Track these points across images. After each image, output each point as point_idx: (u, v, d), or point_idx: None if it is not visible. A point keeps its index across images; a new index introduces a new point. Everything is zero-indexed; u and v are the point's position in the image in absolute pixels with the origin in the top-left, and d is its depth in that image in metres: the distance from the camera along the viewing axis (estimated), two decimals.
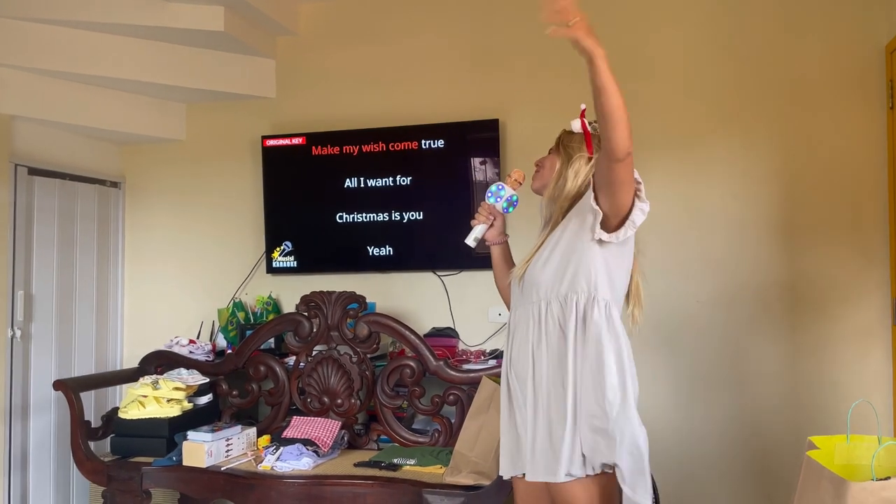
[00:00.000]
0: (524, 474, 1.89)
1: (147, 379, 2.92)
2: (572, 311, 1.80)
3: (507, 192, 2.05)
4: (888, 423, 2.79)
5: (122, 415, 2.87)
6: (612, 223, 1.76)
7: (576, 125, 1.94)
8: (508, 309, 2.07)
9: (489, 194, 2.06)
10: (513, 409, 1.93)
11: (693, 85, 3.11)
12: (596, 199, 1.76)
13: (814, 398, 2.93)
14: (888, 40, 2.83)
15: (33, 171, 3.42)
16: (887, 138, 2.87)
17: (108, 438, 2.94)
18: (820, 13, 2.97)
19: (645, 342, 3.12)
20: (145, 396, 2.84)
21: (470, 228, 2.07)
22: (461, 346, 3.25)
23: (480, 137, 3.28)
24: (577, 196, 1.87)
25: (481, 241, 2.10)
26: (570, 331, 1.80)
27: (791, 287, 2.99)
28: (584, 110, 1.94)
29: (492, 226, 2.08)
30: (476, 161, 3.29)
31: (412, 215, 3.39)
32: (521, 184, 2.06)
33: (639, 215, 1.77)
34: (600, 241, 1.78)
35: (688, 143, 3.11)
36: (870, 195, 2.91)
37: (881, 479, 1.64)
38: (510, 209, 2.07)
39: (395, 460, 2.64)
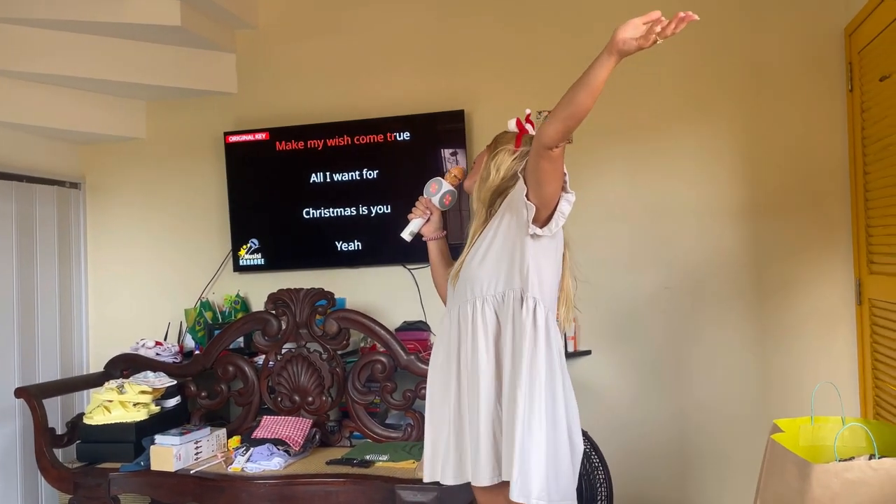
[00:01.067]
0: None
1: (112, 383, 2.86)
2: (509, 310, 1.80)
3: (444, 186, 2.07)
4: (854, 403, 2.84)
5: (87, 421, 2.81)
6: (543, 216, 1.75)
7: (511, 124, 1.95)
8: (444, 302, 2.07)
9: (426, 189, 2.09)
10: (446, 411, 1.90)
11: (654, 72, 3.10)
12: (527, 194, 1.74)
13: (780, 381, 2.97)
14: (846, 22, 2.85)
15: None
16: (847, 120, 2.90)
17: (75, 445, 2.88)
18: None
19: (614, 330, 3.14)
20: (111, 401, 2.79)
21: (407, 222, 2.09)
22: (432, 339, 3.23)
23: (447, 129, 3.26)
24: (500, 189, 1.87)
25: (418, 236, 2.11)
26: (507, 329, 1.80)
27: (756, 271, 3.01)
28: (528, 115, 1.95)
29: (428, 220, 2.09)
30: (447, 152, 3.26)
31: (380, 209, 3.35)
32: (459, 180, 2.09)
33: (566, 206, 1.76)
34: (534, 236, 1.77)
35: (650, 130, 3.11)
36: (831, 177, 2.94)
37: (844, 460, 1.65)
38: (447, 204, 2.09)
39: (367, 457, 2.62)
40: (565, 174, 1.75)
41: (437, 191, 2.07)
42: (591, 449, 2.83)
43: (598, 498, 2.83)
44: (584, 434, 2.83)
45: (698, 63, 3.07)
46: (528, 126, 1.93)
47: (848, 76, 2.86)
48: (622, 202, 3.15)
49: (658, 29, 1.48)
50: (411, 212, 2.08)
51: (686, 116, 3.08)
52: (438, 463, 1.90)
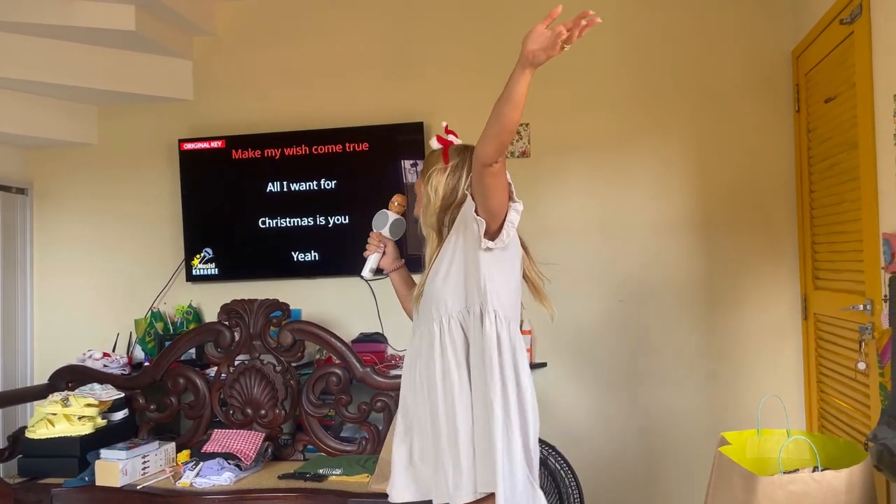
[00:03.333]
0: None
1: (57, 396, 2.77)
2: (473, 325, 1.82)
3: (391, 217, 2.09)
4: (800, 416, 2.91)
5: (29, 434, 2.72)
6: (493, 228, 1.77)
7: (434, 143, 1.98)
8: None
9: (375, 223, 2.11)
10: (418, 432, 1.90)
11: (608, 90, 3.16)
12: (476, 210, 1.77)
13: (729, 393, 3.03)
14: (794, 45, 2.94)
15: None
16: (794, 140, 2.99)
17: (16, 459, 2.78)
18: (731, 19, 3.07)
19: (569, 343, 3.17)
20: (54, 414, 2.70)
21: (364, 261, 2.10)
22: (390, 351, 3.21)
23: (405, 140, 3.26)
24: (444, 208, 1.89)
25: (379, 272, 2.13)
26: (475, 344, 1.81)
27: (707, 285, 3.08)
28: (446, 126, 1.99)
29: (384, 253, 2.10)
30: (407, 164, 3.26)
31: (338, 219, 3.33)
32: (404, 207, 2.11)
33: (514, 215, 1.78)
34: (486, 250, 1.79)
35: (605, 147, 3.16)
36: (779, 195, 3.02)
37: (789, 472, 1.69)
38: (397, 234, 2.11)
39: (320, 471, 2.59)
40: (510, 184, 1.78)
41: (385, 223, 2.09)
42: (562, 461, 2.86)
43: None
44: (553, 447, 2.87)
45: (652, 82, 3.13)
46: (450, 137, 1.96)
47: (795, 97, 2.95)
48: (577, 216, 3.19)
49: (564, 36, 1.49)
50: (366, 249, 2.09)
51: (640, 134, 3.14)
52: (407, 480, 1.89)
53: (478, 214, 1.75)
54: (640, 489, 3.09)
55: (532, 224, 3.20)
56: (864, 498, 1.61)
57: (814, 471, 1.69)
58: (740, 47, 3.06)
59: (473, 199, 1.77)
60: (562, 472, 2.86)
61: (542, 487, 2.75)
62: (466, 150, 1.91)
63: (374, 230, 2.11)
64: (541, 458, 2.89)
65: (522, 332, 3.20)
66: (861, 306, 2.18)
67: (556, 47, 1.50)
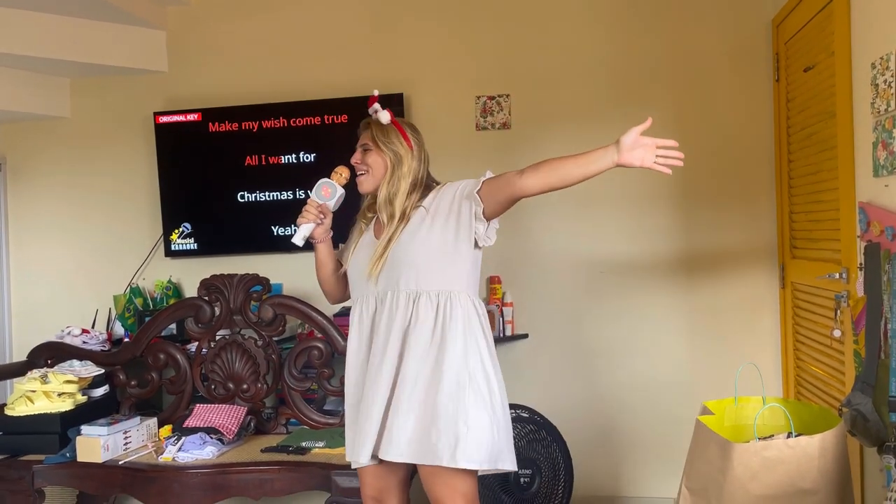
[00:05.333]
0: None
1: (35, 373, 2.75)
2: (445, 306, 1.89)
3: (339, 190, 2.06)
4: (777, 383, 2.95)
5: (8, 412, 2.69)
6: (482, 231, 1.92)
7: (384, 117, 2.02)
8: (330, 300, 2.19)
9: (316, 192, 2.06)
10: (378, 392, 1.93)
11: (587, 60, 3.14)
12: (484, 212, 1.88)
13: (708, 362, 3.07)
14: (774, 14, 2.93)
15: None
16: (773, 110, 2.99)
17: None
18: None
19: (550, 314, 3.19)
20: (33, 391, 2.68)
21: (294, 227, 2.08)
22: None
23: None
24: (412, 191, 1.97)
25: (307, 240, 2.11)
26: (449, 324, 1.88)
27: (686, 255, 3.10)
28: (377, 96, 2.06)
29: (320, 223, 2.08)
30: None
31: None
32: (347, 180, 2.08)
33: (496, 223, 1.95)
34: (479, 247, 1.95)
35: (583, 118, 3.15)
36: (757, 164, 3.03)
37: (764, 439, 1.72)
38: (338, 206, 2.10)
39: (303, 444, 2.60)
40: None
41: (332, 195, 2.06)
42: (548, 429, 2.90)
43: (560, 477, 2.90)
44: (542, 416, 2.90)
45: (630, 51, 3.12)
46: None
47: (775, 66, 2.95)
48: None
49: (657, 155, 1.74)
50: (301, 216, 2.05)
51: (619, 105, 3.12)
52: (367, 444, 1.92)
53: (485, 216, 1.88)
54: (624, 457, 3.14)
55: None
56: (837, 462, 1.64)
57: (788, 437, 1.72)
58: (720, 16, 3.05)
59: (483, 201, 1.86)
60: (550, 439, 2.90)
61: (532, 454, 2.82)
62: (419, 134, 2.05)
63: (317, 200, 2.06)
64: (535, 424, 2.95)
65: (505, 304, 3.23)
66: (837, 275, 2.21)
67: (648, 161, 1.73)
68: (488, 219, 1.90)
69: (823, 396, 2.46)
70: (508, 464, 1.90)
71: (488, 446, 1.83)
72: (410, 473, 2.14)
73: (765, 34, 3.00)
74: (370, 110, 2.06)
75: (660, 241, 3.11)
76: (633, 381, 3.11)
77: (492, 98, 3.16)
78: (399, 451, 1.85)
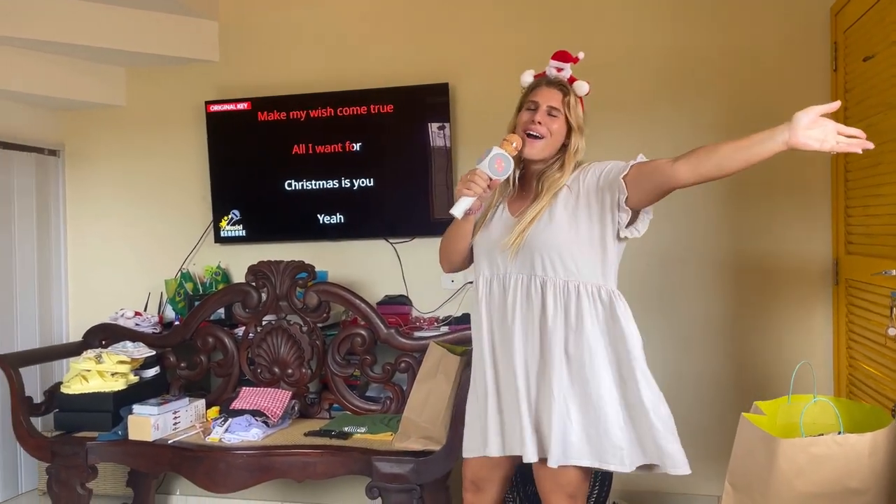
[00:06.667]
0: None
1: (90, 353, 2.85)
2: (596, 298, 1.81)
3: (511, 164, 1.83)
4: (829, 382, 2.87)
5: (64, 390, 2.80)
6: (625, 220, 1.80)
7: (584, 87, 1.90)
8: (447, 269, 2.04)
9: (489, 165, 1.80)
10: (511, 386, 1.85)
11: (639, 48, 3.09)
12: (627, 200, 1.74)
13: (758, 359, 2.99)
14: (832, 2, 2.84)
15: None
16: (831, 100, 2.88)
17: (52, 414, 2.88)
18: None
19: None
20: (88, 371, 2.78)
21: (453, 198, 1.89)
22: (414, 314, 3.23)
23: (430, 102, 3.22)
24: (572, 171, 1.85)
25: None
26: (599, 316, 1.81)
27: (737, 249, 3.03)
28: (579, 58, 1.92)
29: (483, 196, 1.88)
30: (434, 126, 3.23)
31: (363, 182, 3.33)
32: (518, 150, 1.86)
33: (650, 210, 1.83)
34: (624, 239, 1.84)
35: (636, 107, 3.10)
36: (813, 157, 2.94)
37: (813, 437, 1.68)
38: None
39: (345, 429, 2.64)
40: None
41: (505, 170, 1.81)
42: None
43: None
44: None
45: (684, 40, 3.05)
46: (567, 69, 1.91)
47: (833, 56, 2.86)
48: None
49: (842, 138, 1.52)
50: (468, 188, 1.79)
51: (671, 94, 3.07)
52: (495, 437, 1.85)
53: (628, 205, 1.75)
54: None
55: None
56: (888, 462, 1.59)
57: (837, 435, 1.67)
58: (776, 4, 2.96)
59: (627, 189, 1.72)
60: None
61: None
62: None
63: (488, 174, 1.80)
64: None
65: None
66: (894, 271, 2.13)
67: (829, 143, 1.50)
68: (633, 208, 1.74)
69: (876, 396, 2.39)
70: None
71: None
72: (515, 468, 2.05)
73: (823, 22, 2.90)
74: (559, 70, 1.90)
75: (709, 233, 3.05)
76: (679, 376, 3.06)
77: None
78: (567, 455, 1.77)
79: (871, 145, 1.51)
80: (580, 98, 1.91)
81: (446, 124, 3.21)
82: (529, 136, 1.86)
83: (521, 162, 1.93)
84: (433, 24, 3.30)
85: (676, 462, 1.76)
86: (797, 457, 1.56)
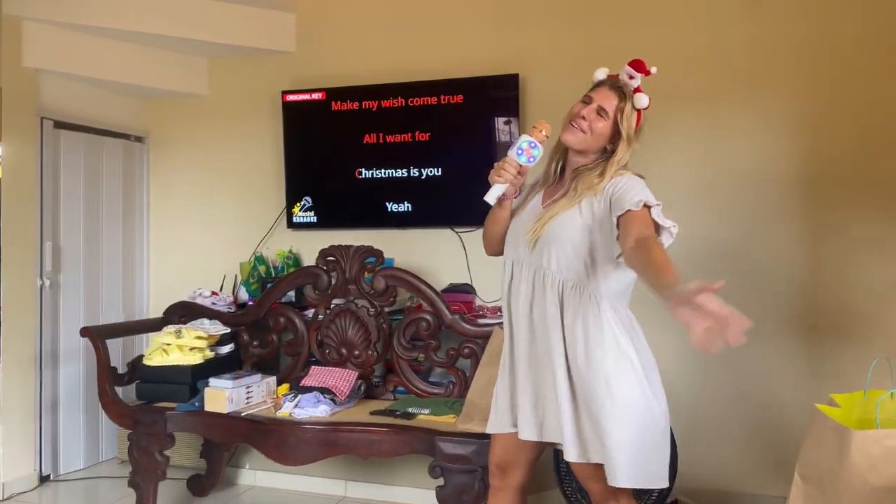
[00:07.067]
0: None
1: (171, 328, 3.00)
2: (578, 304, 1.83)
3: (541, 150, 1.89)
4: None
5: (146, 362, 2.95)
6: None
7: (644, 100, 1.90)
8: (488, 252, 2.11)
9: (519, 151, 1.88)
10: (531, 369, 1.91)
11: (716, 40, 3.04)
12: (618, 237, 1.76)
13: (831, 355, 2.91)
14: None
15: (59, 125, 3.48)
16: None
17: (134, 385, 3.04)
18: None
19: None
20: (168, 344, 2.92)
21: (488, 185, 1.94)
22: (478, 302, 3.27)
23: (500, 94, 3.25)
24: (609, 179, 1.85)
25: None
26: (591, 319, 1.82)
27: (811, 246, 2.95)
28: (651, 72, 1.93)
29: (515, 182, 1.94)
30: (500, 121, 3.26)
31: (431, 171, 3.39)
32: (547, 138, 1.92)
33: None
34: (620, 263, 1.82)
35: (713, 101, 3.05)
36: (893, 154, 2.85)
37: (889, 429, 1.64)
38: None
39: (409, 409, 2.70)
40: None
41: (534, 156, 1.88)
42: None
43: None
44: None
45: (765, 33, 2.98)
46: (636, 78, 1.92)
47: None
48: (677, 172, 3.10)
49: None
50: (497, 174, 1.88)
51: (749, 88, 3.00)
52: (547, 428, 1.89)
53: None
54: (733, 450, 3.03)
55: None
56: None
57: None
58: None
59: (618, 227, 1.75)
60: None
61: None
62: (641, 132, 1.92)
63: (518, 160, 1.88)
64: None
65: None
66: None
67: (692, 332, 1.40)
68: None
69: None
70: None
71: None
72: (540, 454, 2.07)
73: None
74: (630, 77, 1.92)
75: (781, 230, 2.98)
76: (747, 371, 3.00)
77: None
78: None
79: (736, 342, 1.35)
80: (638, 110, 1.91)
81: (514, 118, 3.23)
82: (573, 124, 1.89)
83: (563, 151, 1.97)
84: (506, 13, 3.33)
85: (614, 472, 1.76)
86: (871, 449, 1.53)
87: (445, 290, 3.25)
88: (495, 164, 1.91)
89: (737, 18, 3.02)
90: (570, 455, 1.83)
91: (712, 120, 3.07)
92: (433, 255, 3.44)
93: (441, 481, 2.47)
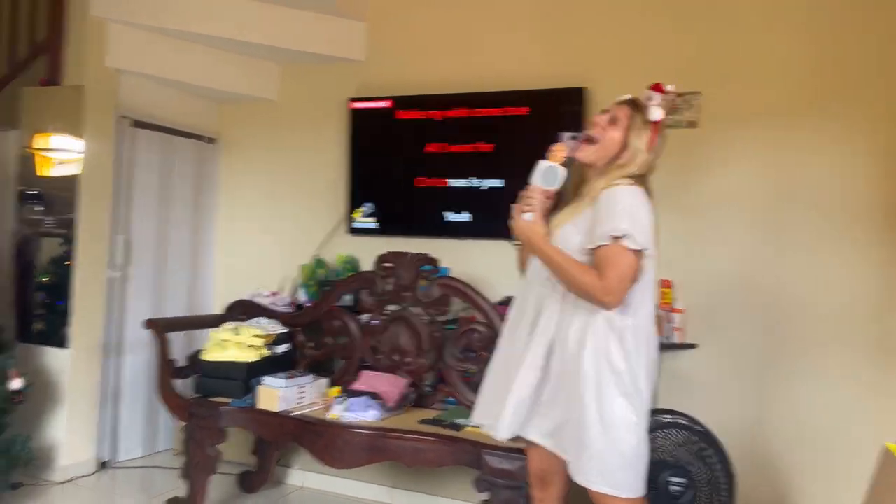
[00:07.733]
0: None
1: (230, 325, 3.06)
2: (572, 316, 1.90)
3: (561, 171, 1.95)
4: None
5: (204, 356, 3.02)
6: None
7: (657, 114, 1.92)
8: (521, 269, 2.18)
9: (544, 179, 1.95)
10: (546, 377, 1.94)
11: (787, 56, 2.93)
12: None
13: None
14: None
15: (137, 124, 3.62)
16: None
17: (192, 378, 3.11)
18: None
19: (724, 325, 3.03)
20: (227, 341, 2.99)
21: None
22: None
23: (565, 109, 3.21)
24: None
25: None
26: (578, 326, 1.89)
27: (883, 279, 2.80)
28: (668, 91, 1.93)
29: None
30: (566, 136, 3.21)
31: (492, 183, 3.38)
32: (566, 159, 1.99)
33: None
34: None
35: (776, 122, 2.94)
36: None
37: None
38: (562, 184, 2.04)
39: (457, 421, 2.67)
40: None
41: (555, 179, 1.94)
42: (708, 441, 2.76)
43: (720, 497, 2.75)
44: (704, 427, 2.74)
45: (839, 49, 2.86)
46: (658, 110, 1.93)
47: None
48: (743, 194, 3.00)
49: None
50: (527, 204, 1.95)
51: (819, 108, 2.89)
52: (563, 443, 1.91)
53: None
54: (794, 485, 2.90)
55: (690, 199, 3.07)
56: None
57: None
58: None
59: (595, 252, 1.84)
60: (710, 451, 2.75)
61: (687, 464, 2.67)
62: (662, 148, 1.95)
63: (543, 186, 1.94)
64: (693, 433, 2.82)
65: (674, 310, 3.11)
66: None
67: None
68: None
69: None
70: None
71: None
72: None
73: None
74: (646, 95, 1.95)
75: (852, 259, 2.84)
76: (812, 404, 2.87)
77: (680, 94, 3.06)
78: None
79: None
80: (654, 125, 1.92)
81: (579, 132, 3.17)
82: (586, 140, 1.97)
83: (582, 174, 2.02)
84: (571, 28, 3.30)
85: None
86: None
87: (500, 303, 3.21)
88: (519, 196, 1.99)
89: (805, 31, 2.91)
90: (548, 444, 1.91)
91: (779, 138, 2.96)
92: (490, 266, 3.42)
93: (486, 495, 2.44)
